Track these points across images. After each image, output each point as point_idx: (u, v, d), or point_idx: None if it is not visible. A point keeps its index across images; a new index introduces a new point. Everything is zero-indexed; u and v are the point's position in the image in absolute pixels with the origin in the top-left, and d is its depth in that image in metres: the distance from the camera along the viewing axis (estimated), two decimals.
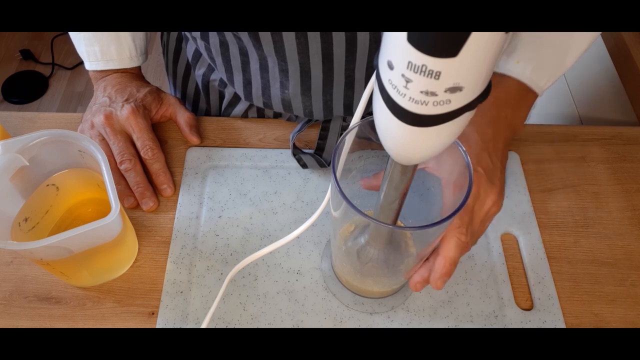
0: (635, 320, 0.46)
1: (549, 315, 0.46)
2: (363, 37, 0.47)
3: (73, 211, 0.49)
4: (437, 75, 0.22)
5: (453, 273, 0.39)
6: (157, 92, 0.57)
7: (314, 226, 0.51)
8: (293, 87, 0.52)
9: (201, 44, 0.56)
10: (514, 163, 0.56)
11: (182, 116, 0.57)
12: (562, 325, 0.46)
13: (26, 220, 0.45)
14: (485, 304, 0.47)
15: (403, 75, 0.23)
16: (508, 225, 0.51)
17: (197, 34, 0.55)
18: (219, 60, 0.55)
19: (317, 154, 0.55)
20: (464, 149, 0.35)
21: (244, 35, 0.49)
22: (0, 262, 0.48)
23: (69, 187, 0.48)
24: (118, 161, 0.51)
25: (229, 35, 0.51)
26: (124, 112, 0.53)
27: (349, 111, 0.54)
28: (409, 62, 0.22)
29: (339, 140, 0.36)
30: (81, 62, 1.87)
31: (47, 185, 0.47)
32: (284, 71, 0.51)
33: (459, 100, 0.24)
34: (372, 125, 0.38)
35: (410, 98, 0.24)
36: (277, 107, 0.55)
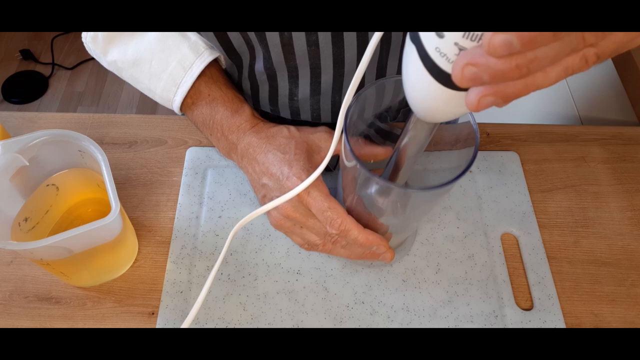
0: (635, 320, 0.46)
1: (549, 315, 0.46)
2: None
3: (73, 211, 0.49)
4: None
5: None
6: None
7: None
8: (302, 92, 0.51)
9: None
10: (514, 163, 0.56)
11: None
12: (562, 325, 0.46)
13: (26, 220, 0.45)
14: (485, 304, 0.47)
15: (456, 44, 0.22)
16: (508, 225, 0.51)
17: None
18: (232, 70, 0.55)
19: None
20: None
21: (256, 44, 0.48)
22: (0, 262, 0.48)
23: (69, 187, 0.48)
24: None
25: (239, 44, 0.50)
26: None
27: (359, 117, 0.54)
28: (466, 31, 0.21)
29: (351, 101, 0.35)
30: (81, 62, 1.87)
31: (47, 185, 0.47)
32: (293, 77, 0.50)
33: None
34: (379, 89, 0.38)
35: None
36: (285, 113, 0.55)
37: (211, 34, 0.49)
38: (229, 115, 0.48)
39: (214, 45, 0.50)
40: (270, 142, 0.45)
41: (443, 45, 0.23)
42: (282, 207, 0.43)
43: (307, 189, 0.41)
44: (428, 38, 0.24)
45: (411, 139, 0.33)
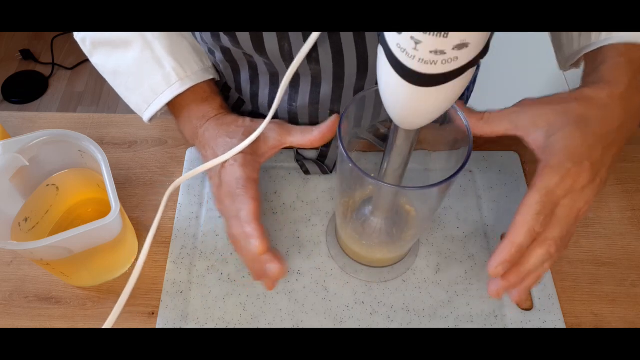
0: (635, 320, 0.46)
1: (549, 315, 0.46)
2: (374, 55, 0.46)
3: (73, 211, 0.49)
4: (446, 34, 0.23)
5: (522, 276, 0.37)
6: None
7: (314, 226, 0.51)
8: (301, 100, 0.52)
9: (210, 59, 0.55)
10: (514, 163, 0.56)
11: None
12: (562, 325, 0.46)
13: (26, 220, 0.45)
14: (485, 304, 0.47)
15: (412, 38, 0.24)
16: (508, 225, 0.51)
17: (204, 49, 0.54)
18: (227, 72, 0.55)
19: (319, 161, 0.55)
20: (464, 114, 0.36)
21: (255, 55, 0.48)
22: (0, 262, 0.48)
23: (69, 187, 0.48)
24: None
25: (237, 54, 0.50)
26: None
27: (356, 121, 0.54)
28: None
29: (346, 106, 0.37)
30: (81, 62, 1.87)
31: (47, 185, 0.47)
32: (294, 86, 0.51)
33: (465, 57, 0.25)
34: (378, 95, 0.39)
35: (419, 59, 0.25)
36: (283, 116, 0.55)
37: (211, 40, 0.49)
38: (198, 102, 0.50)
39: (215, 46, 0.50)
40: (224, 129, 0.47)
41: (402, 41, 0.25)
42: (213, 184, 0.46)
43: (225, 165, 0.44)
44: (390, 36, 0.26)
45: (395, 148, 0.35)
